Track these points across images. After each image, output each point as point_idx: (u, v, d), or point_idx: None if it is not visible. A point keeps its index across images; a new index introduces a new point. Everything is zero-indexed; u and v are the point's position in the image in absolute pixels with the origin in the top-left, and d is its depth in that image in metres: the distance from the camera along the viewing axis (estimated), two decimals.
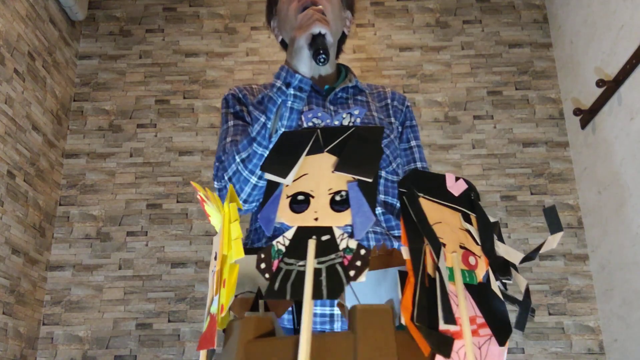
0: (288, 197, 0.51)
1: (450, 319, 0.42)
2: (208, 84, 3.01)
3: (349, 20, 1.34)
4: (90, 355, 2.56)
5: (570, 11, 2.82)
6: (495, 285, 0.46)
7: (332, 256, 0.46)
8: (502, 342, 0.43)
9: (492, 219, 0.51)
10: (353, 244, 0.46)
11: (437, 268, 0.45)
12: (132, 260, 2.71)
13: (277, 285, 0.45)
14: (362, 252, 0.46)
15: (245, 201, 1.08)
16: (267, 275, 0.47)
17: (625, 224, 2.31)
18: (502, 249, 0.49)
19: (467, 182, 0.53)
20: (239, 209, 1.11)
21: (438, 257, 0.45)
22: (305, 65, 1.04)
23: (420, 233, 0.47)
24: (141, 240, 2.74)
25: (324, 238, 0.47)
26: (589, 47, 2.62)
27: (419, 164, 1.26)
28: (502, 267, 0.48)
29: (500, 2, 3.14)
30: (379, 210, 1.12)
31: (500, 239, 0.51)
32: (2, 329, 2.28)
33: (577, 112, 2.63)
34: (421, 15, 3.13)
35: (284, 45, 1.32)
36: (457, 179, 0.53)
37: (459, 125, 2.91)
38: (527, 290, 0.48)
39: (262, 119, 1.03)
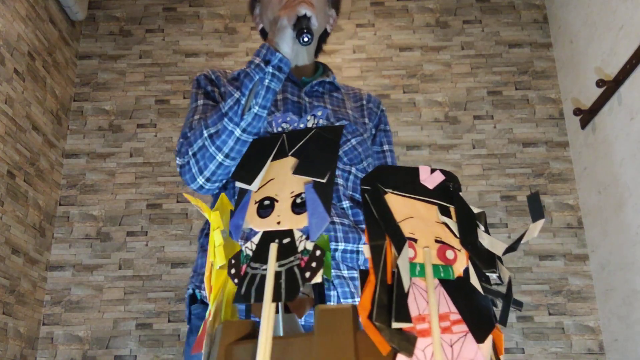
0: (256, 202, 0.52)
1: (403, 316, 0.41)
2: None
3: (333, 19, 1.32)
4: (90, 355, 2.56)
5: (570, 11, 2.82)
6: (474, 279, 0.45)
7: (291, 259, 0.46)
8: (480, 339, 0.41)
9: (476, 210, 0.50)
10: (310, 245, 0.46)
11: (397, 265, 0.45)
12: (132, 260, 2.71)
13: (243, 289, 0.45)
14: (318, 253, 0.46)
15: (208, 179, 1.04)
16: (235, 281, 0.47)
17: (625, 224, 2.30)
18: (487, 241, 0.48)
19: (445, 173, 0.52)
20: (201, 189, 1.09)
21: (399, 253, 0.44)
22: (288, 45, 1.01)
23: (382, 230, 0.46)
24: (141, 240, 2.75)
25: (285, 241, 0.47)
26: (589, 47, 2.62)
27: None
28: (486, 259, 0.47)
29: (500, 2, 3.14)
30: (346, 204, 1.10)
31: (487, 231, 0.50)
32: (2, 329, 2.29)
33: (577, 112, 2.63)
34: (421, 15, 3.13)
35: (263, 34, 1.29)
36: (433, 170, 0.51)
37: (459, 125, 2.91)
38: (510, 283, 0.47)
39: (236, 94, 0.99)
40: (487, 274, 0.47)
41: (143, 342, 2.58)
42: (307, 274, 0.44)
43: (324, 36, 1.33)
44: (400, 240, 0.46)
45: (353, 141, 1.17)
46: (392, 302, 0.42)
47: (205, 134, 1.02)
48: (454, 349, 0.41)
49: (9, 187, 2.37)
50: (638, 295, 2.22)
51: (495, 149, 2.86)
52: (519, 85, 2.97)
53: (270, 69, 0.99)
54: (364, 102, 1.31)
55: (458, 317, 0.42)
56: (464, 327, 0.42)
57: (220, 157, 1.01)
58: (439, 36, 3.08)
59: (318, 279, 0.44)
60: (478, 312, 0.43)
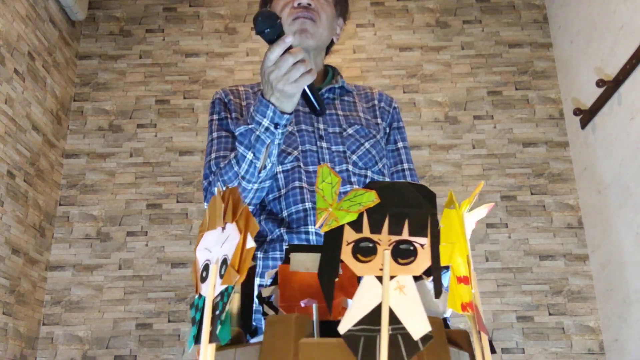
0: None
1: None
2: (208, 84, 3.01)
3: (340, 28, 1.36)
4: (90, 355, 2.56)
5: (570, 11, 2.82)
6: None
7: None
8: None
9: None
10: None
11: None
12: (132, 260, 2.71)
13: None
14: None
15: None
16: None
17: (625, 224, 2.30)
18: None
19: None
20: None
21: None
22: (293, 106, 1.00)
23: None
24: (141, 240, 2.75)
25: None
26: (589, 47, 2.62)
27: (405, 165, 1.27)
28: None
29: (500, 2, 3.14)
30: None
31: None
32: (2, 329, 2.29)
33: (577, 112, 2.63)
34: (421, 15, 3.13)
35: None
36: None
37: (459, 125, 2.91)
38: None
39: (250, 156, 1.02)
40: None
41: (143, 342, 2.58)
42: None
43: (330, 45, 1.35)
44: None
45: (367, 144, 1.20)
46: None
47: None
48: None
49: (9, 187, 2.37)
50: (638, 295, 2.22)
51: (495, 149, 2.86)
52: (519, 85, 2.97)
53: (280, 130, 1.00)
54: (376, 101, 1.32)
55: None
56: None
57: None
58: (439, 36, 3.08)
59: None
60: None
